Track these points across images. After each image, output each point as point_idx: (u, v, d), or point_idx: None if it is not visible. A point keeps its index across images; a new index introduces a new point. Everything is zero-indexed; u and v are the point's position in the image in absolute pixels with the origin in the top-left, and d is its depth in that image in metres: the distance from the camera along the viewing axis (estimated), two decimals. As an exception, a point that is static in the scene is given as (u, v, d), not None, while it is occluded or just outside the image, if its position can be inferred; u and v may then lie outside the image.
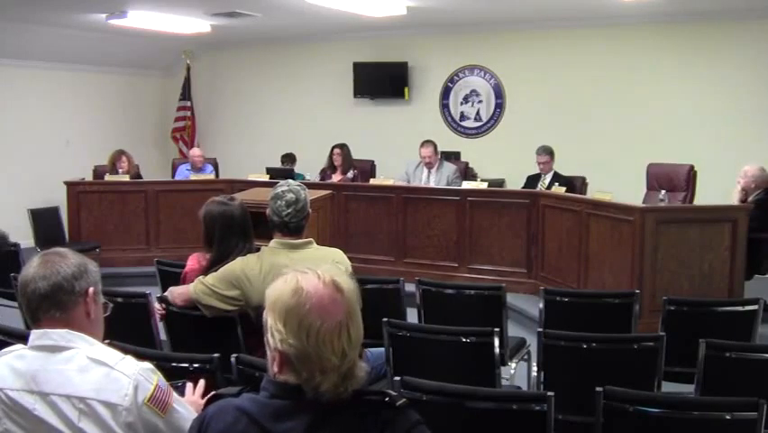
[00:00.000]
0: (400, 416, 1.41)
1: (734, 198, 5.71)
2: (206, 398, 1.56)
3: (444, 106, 9.01)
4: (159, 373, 1.75)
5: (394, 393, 1.45)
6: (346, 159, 7.68)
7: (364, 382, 1.43)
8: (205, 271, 3.24)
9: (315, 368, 1.38)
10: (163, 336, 3.44)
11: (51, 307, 1.73)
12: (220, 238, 3.26)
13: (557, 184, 6.53)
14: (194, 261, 3.39)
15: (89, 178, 8.02)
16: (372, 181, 7.30)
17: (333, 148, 7.76)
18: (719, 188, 6.15)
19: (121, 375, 1.68)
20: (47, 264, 1.75)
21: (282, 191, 3.11)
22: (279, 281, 1.45)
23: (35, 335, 1.73)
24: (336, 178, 7.63)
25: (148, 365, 1.75)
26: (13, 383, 1.69)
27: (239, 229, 3.26)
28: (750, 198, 5.58)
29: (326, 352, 1.37)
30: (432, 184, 7.13)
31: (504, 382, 3.31)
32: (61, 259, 1.77)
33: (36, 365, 1.70)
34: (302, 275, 1.43)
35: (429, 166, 7.17)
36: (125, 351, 1.81)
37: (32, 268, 1.76)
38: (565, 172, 6.82)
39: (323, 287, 1.41)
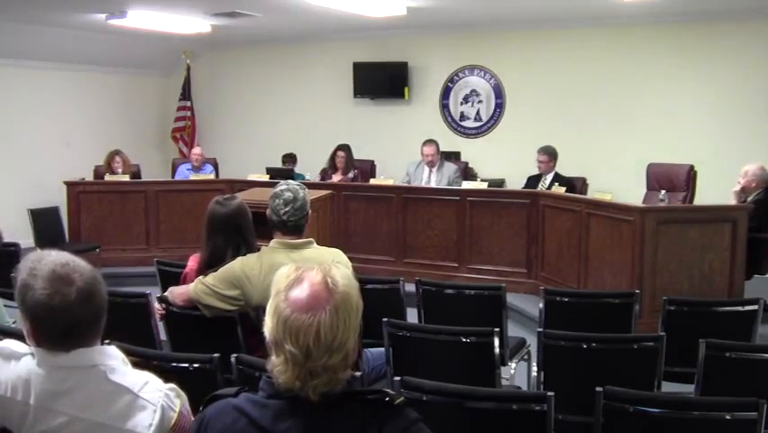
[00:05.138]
0: (399, 414, 1.41)
1: (730, 199, 5.69)
2: (205, 399, 1.55)
3: (444, 106, 9.01)
4: (181, 393, 1.69)
5: (392, 392, 1.45)
6: (349, 160, 7.70)
7: (343, 385, 1.41)
8: (197, 271, 3.25)
9: (281, 357, 1.39)
10: (163, 336, 3.44)
11: (90, 332, 1.63)
12: (205, 238, 3.31)
13: (557, 184, 6.53)
14: (194, 261, 3.40)
15: (89, 178, 8.03)
16: (372, 181, 7.31)
17: (337, 150, 7.77)
18: (719, 188, 6.15)
19: (146, 403, 1.61)
20: (86, 281, 1.60)
21: (281, 190, 3.13)
22: (288, 267, 1.47)
23: (55, 358, 1.61)
24: (336, 178, 7.64)
25: (171, 388, 1.68)
26: (36, 401, 1.61)
27: (222, 229, 3.26)
28: (750, 198, 5.57)
29: (289, 342, 1.37)
30: (433, 183, 7.13)
31: (504, 382, 3.31)
32: (85, 277, 1.61)
33: (61, 385, 1.61)
34: (308, 269, 1.44)
35: (431, 165, 7.17)
36: (126, 351, 1.79)
37: (73, 290, 1.57)
38: (564, 172, 6.82)
39: (313, 281, 1.41)
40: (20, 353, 1.68)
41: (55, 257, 1.63)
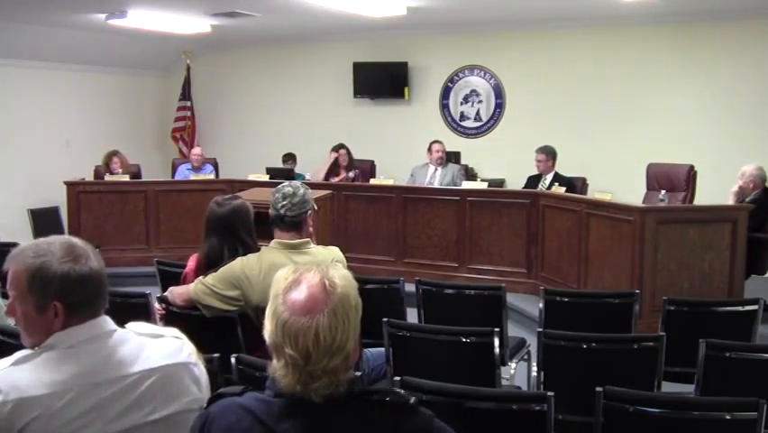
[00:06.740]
0: (415, 414, 1.42)
1: (728, 200, 5.68)
2: (210, 397, 1.56)
3: (444, 106, 9.01)
4: None
5: (402, 392, 1.46)
6: (350, 160, 7.72)
7: (346, 385, 1.41)
8: (195, 271, 3.25)
9: (282, 360, 1.39)
10: (163, 336, 3.43)
11: (104, 304, 1.70)
12: (203, 238, 3.33)
13: (557, 184, 6.54)
14: (194, 261, 3.40)
15: (89, 178, 8.03)
16: (372, 181, 7.32)
17: (338, 149, 7.78)
18: (719, 188, 6.15)
19: (172, 338, 1.75)
20: (97, 257, 1.67)
21: (283, 186, 3.16)
22: (286, 269, 1.47)
23: (84, 329, 1.62)
24: (337, 178, 7.65)
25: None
26: (93, 377, 1.60)
27: (217, 229, 3.27)
28: (748, 198, 5.57)
29: (288, 345, 1.37)
30: (438, 179, 7.23)
31: (504, 382, 3.32)
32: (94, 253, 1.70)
33: (100, 354, 1.62)
34: (307, 270, 1.44)
35: (439, 162, 7.26)
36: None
37: (92, 258, 1.64)
38: (565, 172, 6.83)
39: (311, 283, 1.41)
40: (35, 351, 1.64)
41: (59, 238, 1.68)
